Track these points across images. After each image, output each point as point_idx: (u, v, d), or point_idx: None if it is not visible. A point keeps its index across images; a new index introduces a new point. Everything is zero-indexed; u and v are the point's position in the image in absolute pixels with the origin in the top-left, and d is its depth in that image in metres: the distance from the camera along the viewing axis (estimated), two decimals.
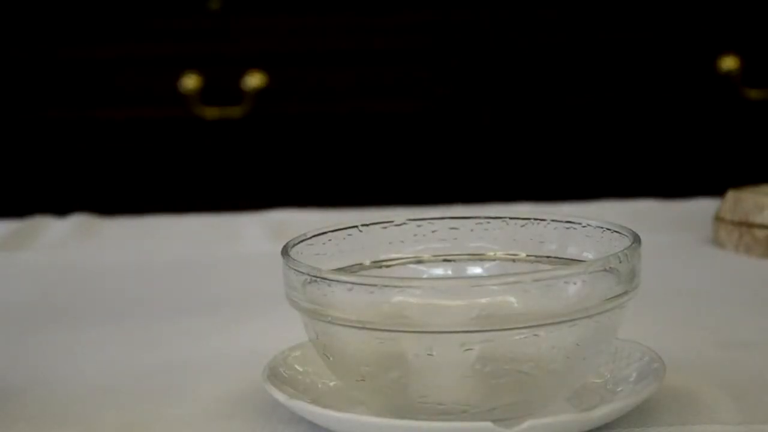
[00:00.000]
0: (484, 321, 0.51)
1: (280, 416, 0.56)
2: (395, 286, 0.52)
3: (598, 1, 1.64)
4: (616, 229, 0.57)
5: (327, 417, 0.53)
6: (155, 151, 1.65)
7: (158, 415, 0.58)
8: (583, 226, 0.59)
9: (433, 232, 0.62)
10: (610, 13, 1.65)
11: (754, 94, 1.64)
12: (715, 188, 0.97)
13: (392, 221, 0.62)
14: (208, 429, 0.56)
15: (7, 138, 1.64)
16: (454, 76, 1.63)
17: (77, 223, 1.01)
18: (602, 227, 0.58)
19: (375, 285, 0.52)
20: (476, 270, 0.61)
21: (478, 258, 0.61)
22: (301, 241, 0.58)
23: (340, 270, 0.59)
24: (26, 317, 0.77)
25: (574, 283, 0.52)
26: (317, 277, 0.53)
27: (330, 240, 0.60)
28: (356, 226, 0.61)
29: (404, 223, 0.62)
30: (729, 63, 1.63)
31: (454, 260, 0.62)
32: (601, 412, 0.52)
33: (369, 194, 1.51)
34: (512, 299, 0.52)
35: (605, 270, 0.53)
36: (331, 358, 0.55)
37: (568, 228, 0.59)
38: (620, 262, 0.53)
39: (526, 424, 0.50)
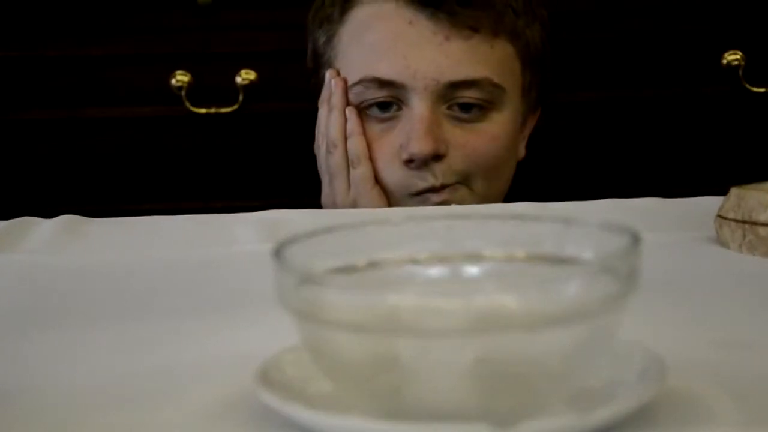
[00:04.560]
0: (480, 322, 0.50)
1: (272, 421, 0.55)
2: (390, 288, 0.51)
3: None
4: (616, 228, 0.56)
5: (320, 421, 0.52)
6: (146, 148, 1.64)
7: (148, 419, 0.57)
8: (582, 226, 0.58)
9: (429, 231, 0.61)
10: (609, 12, 1.65)
11: (757, 90, 1.64)
12: (718, 186, 0.96)
13: (387, 221, 0.61)
14: None
15: None
16: None
17: (64, 224, 1.00)
18: (601, 226, 0.57)
19: (369, 286, 0.51)
20: (473, 270, 0.60)
21: (474, 258, 0.60)
22: (294, 241, 0.57)
23: (333, 271, 0.58)
24: (13, 320, 0.76)
25: (573, 284, 0.51)
26: (310, 278, 0.52)
27: (323, 240, 0.59)
28: (350, 226, 0.60)
29: (400, 223, 0.61)
30: (733, 59, 1.63)
31: (450, 260, 0.61)
32: (601, 415, 0.51)
33: None
34: (510, 300, 0.51)
35: (604, 270, 0.52)
36: (324, 362, 0.54)
37: (566, 227, 0.59)
38: (620, 261, 0.52)
39: (523, 427, 0.50)
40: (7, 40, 1.61)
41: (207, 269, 0.88)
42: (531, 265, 0.59)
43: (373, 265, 0.60)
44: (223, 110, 1.62)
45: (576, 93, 1.65)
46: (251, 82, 1.61)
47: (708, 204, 0.95)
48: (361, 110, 1.32)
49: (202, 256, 0.91)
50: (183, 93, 1.61)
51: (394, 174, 1.30)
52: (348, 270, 0.59)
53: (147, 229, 1.01)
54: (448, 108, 1.29)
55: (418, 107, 1.28)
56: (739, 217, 0.85)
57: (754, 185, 0.89)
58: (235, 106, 1.62)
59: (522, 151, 1.39)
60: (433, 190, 1.29)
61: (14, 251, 0.93)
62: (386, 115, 1.30)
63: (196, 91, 1.61)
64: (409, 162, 1.28)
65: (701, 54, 1.64)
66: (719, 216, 0.88)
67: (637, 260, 0.53)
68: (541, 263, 0.59)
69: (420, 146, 1.26)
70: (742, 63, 1.63)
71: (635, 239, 0.54)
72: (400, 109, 1.30)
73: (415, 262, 0.60)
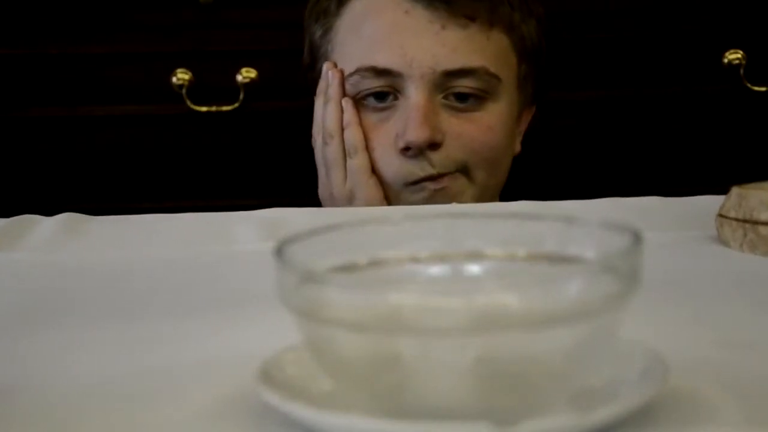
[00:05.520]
0: (482, 321, 0.50)
1: (273, 419, 0.55)
2: (391, 287, 0.51)
3: None
4: (617, 228, 0.56)
5: (321, 420, 0.52)
6: (146, 146, 1.64)
7: (148, 418, 0.57)
8: (583, 225, 0.58)
9: (430, 230, 0.61)
10: (609, 12, 1.64)
11: (758, 89, 1.64)
12: (719, 185, 0.96)
13: (388, 219, 0.61)
14: None
15: None
16: None
17: (64, 222, 1.00)
18: (603, 225, 0.57)
19: (371, 285, 0.51)
20: (474, 269, 0.60)
21: (476, 257, 0.60)
22: (295, 240, 0.57)
23: (334, 270, 0.57)
24: (13, 319, 0.75)
25: (574, 283, 0.51)
26: (311, 277, 0.52)
27: (324, 239, 0.58)
28: (351, 225, 0.59)
29: (401, 222, 0.61)
30: (734, 58, 1.63)
31: (451, 259, 0.60)
32: (602, 414, 0.51)
33: None
34: (511, 299, 0.51)
35: (606, 269, 0.52)
36: (325, 361, 0.54)
37: (567, 226, 0.58)
38: (621, 261, 0.52)
39: (524, 426, 0.49)
40: (7, 37, 1.61)
41: (207, 268, 0.87)
42: (532, 264, 0.59)
43: (374, 263, 0.59)
44: (224, 108, 1.62)
45: (576, 92, 1.65)
46: (252, 80, 1.61)
47: (709, 203, 0.95)
48: (358, 101, 1.32)
49: (202, 255, 0.91)
50: (184, 91, 1.61)
51: (391, 164, 1.30)
52: (349, 269, 0.59)
53: (147, 228, 1.00)
54: (444, 97, 1.30)
55: (415, 96, 1.28)
56: (740, 216, 0.85)
57: (755, 184, 0.89)
58: (236, 105, 1.62)
59: (518, 147, 1.39)
60: (431, 178, 1.29)
61: (14, 249, 0.93)
62: (383, 105, 1.31)
63: (197, 90, 1.61)
64: (405, 150, 1.28)
65: (702, 53, 1.64)
66: (720, 215, 0.88)
67: (638, 259, 0.53)
68: (543, 262, 0.59)
69: (416, 134, 1.27)
70: (743, 62, 1.63)
71: (637, 238, 0.54)
72: (396, 98, 1.30)
73: (416, 260, 0.60)
